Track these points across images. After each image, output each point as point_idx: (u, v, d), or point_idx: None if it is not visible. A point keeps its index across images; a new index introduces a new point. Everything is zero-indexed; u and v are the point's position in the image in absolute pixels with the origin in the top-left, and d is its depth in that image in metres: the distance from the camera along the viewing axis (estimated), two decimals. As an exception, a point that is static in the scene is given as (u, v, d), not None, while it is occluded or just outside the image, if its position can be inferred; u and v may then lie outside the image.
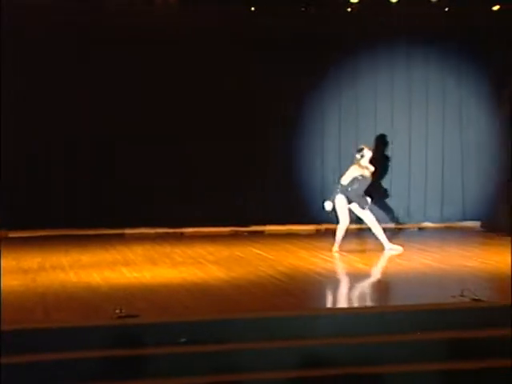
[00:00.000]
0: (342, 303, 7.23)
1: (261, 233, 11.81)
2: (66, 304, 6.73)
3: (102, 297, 6.99)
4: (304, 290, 7.56)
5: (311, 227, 11.93)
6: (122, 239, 11.23)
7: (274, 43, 11.54)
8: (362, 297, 7.42)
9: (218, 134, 11.71)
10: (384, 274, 8.70)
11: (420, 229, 12.22)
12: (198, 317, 6.33)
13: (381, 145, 11.93)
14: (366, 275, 8.41)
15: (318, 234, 11.80)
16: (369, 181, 9.82)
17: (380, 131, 12.03)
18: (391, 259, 9.28)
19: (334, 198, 9.69)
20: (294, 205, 11.80)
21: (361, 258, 9.35)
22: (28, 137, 11.21)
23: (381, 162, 11.65)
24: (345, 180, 9.69)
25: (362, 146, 9.93)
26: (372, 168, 9.89)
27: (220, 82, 11.55)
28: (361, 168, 9.73)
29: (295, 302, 6.93)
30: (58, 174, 11.51)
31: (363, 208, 9.67)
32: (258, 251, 10.00)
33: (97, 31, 11.20)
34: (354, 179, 9.67)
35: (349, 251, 9.73)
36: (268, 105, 11.70)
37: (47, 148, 11.45)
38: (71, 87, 11.25)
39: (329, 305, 7.21)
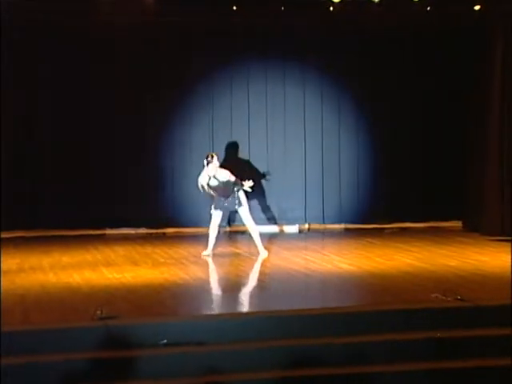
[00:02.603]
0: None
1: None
2: (45, 305, 6.68)
3: (83, 298, 6.95)
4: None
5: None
6: (103, 240, 11.20)
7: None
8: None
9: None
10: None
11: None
12: (179, 318, 6.30)
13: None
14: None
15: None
16: (222, 186, 9.43)
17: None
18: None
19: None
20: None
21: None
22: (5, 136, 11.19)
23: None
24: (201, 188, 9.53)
25: (208, 153, 9.68)
26: (224, 173, 9.49)
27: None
28: (207, 175, 9.44)
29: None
30: (37, 174, 11.46)
31: (215, 208, 9.51)
32: (239, 251, 9.98)
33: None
34: (208, 186, 9.45)
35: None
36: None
37: (24, 148, 11.39)
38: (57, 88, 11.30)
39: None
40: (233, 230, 11.76)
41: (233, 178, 9.44)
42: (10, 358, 5.60)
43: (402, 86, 12.04)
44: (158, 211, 11.74)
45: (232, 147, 11.78)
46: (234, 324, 6.13)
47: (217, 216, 9.53)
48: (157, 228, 11.87)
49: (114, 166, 11.61)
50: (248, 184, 9.42)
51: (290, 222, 12.12)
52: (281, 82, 12.03)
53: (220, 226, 9.83)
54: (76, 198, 11.46)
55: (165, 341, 5.87)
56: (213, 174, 9.42)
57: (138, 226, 11.81)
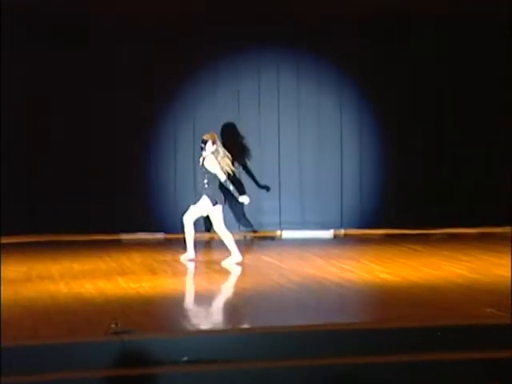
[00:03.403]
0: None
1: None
2: (55, 318, 6.69)
3: (96, 309, 6.95)
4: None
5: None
6: (117, 245, 11.25)
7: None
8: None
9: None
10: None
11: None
12: (202, 333, 6.28)
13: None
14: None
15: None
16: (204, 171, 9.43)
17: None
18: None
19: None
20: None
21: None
22: (12, 137, 11.31)
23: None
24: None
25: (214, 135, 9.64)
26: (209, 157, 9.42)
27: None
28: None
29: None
30: (46, 175, 11.53)
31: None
32: (268, 259, 10.00)
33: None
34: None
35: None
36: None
37: (33, 148, 11.50)
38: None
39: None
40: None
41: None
42: (15, 375, 5.60)
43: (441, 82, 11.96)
44: (178, 214, 11.72)
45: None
46: (263, 340, 6.09)
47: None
48: (177, 233, 11.84)
49: (129, 167, 11.69)
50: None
51: (324, 227, 12.09)
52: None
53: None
54: (88, 201, 11.53)
55: (186, 358, 5.85)
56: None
57: (156, 231, 11.85)
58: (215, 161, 9.40)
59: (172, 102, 11.81)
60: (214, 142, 9.47)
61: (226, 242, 9.45)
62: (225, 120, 11.83)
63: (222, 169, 9.41)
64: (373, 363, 5.96)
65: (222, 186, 9.54)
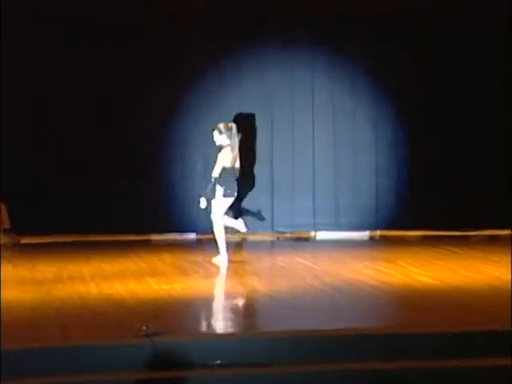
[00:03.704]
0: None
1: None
2: (86, 320, 6.76)
3: (127, 311, 7.01)
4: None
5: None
6: (146, 246, 11.34)
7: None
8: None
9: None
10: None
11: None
12: (236, 335, 6.31)
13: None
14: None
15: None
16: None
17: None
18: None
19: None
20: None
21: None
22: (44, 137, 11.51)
23: None
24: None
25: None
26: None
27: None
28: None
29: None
30: (75, 174, 11.63)
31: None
32: (302, 261, 10.01)
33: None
34: None
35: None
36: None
37: (64, 148, 11.63)
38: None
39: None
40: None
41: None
42: (46, 377, 5.67)
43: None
44: (209, 214, 11.77)
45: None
46: (296, 343, 6.09)
47: None
48: (208, 233, 11.88)
49: (160, 164, 11.81)
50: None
51: (359, 228, 12.11)
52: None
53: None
54: (117, 200, 11.62)
55: (219, 361, 5.88)
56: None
57: (187, 231, 11.94)
58: (224, 153, 9.55)
59: (203, 103, 11.87)
60: (229, 133, 9.61)
61: (216, 236, 9.55)
62: (259, 119, 11.92)
63: (229, 163, 9.54)
64: (409, 368, 5.93)
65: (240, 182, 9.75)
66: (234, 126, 9.72)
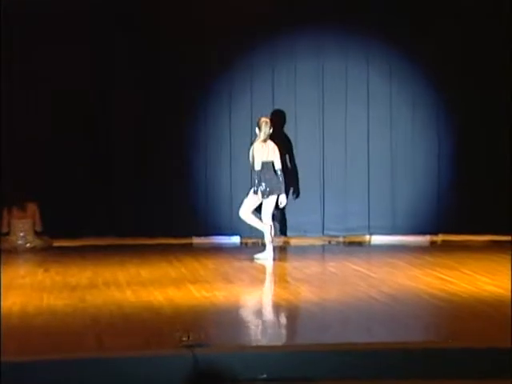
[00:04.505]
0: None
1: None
2: (122, 329, 6.84)
3: (166, 320, 7.06)
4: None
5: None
6: (188, 250, 11.42)
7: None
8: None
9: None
10: None
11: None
12: (283, 348, 6.34)
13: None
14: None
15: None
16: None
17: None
18: None
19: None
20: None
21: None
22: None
23: None
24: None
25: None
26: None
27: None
28: None
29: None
30: (108, 173, 11.88)
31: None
32: (356, 267, 10.03)
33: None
34: None
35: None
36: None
37: (99, 148, 11.90)
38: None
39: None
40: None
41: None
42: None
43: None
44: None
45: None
46: (348, 357, 6.07)
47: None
48: (255, 237, 11.93)
49: (200, 163, 12.00)
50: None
51: (419, 232, 12.10)
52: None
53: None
54: (154, 200, 11.79)
55: (264, 375, 5.90)
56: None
57: (231, 234, 12.02)
58: (254, 148, 10.20)
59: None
60: (258, 128, 10.41)
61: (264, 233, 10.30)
62: (307, 119, 12.04)
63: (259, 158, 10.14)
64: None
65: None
66: (263, 118, 10.34)
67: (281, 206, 10.54)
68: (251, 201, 10.44)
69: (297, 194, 11.75)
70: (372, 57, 12.14)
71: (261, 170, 10.26)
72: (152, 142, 11.95)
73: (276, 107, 11.92)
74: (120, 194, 11.84)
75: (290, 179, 11.41)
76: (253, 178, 10.48)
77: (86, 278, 9.21)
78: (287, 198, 10.62)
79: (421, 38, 12.02)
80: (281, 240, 11.65)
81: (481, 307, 7.70)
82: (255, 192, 10.33)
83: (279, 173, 10.34)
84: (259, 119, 10.52)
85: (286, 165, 11.41)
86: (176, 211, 11.81)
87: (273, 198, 10.37)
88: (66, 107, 11.71)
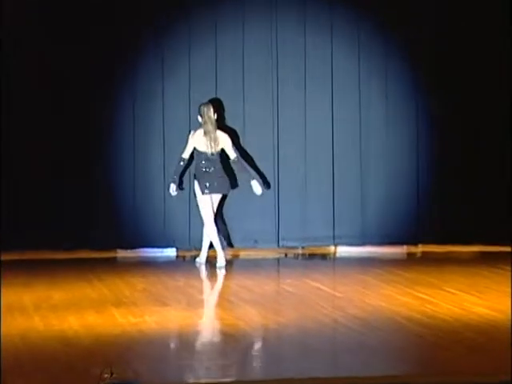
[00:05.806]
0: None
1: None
2: (27, 365, 6.74)
3: (83, 353, 7.03)
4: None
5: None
6: (111, 265, 11.46)
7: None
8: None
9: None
10: None
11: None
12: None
13: None
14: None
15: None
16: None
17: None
18: None
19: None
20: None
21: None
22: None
23: None
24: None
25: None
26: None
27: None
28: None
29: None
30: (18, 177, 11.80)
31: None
32: (318, 285, 10.08)
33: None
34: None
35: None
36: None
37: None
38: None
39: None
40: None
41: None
42: None
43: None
44: (194, 226, 11.81)
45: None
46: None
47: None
48: (192, 249, 11.90)
49: (127, 159, 12.05)
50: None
51: (394, 242, 12.22)
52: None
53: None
54: (68, 204, 11.74)
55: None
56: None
57: (165, 247, 12.03)
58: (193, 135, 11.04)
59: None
60: (200, 115, 11.06)
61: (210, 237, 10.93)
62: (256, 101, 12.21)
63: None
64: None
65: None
66: (205, 106, 10.95)
67: (258, 193, 11.06)
68: (206, 204, 10.96)
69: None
70: (337, 23, 12.19)
71: (184, 160, 11.01)
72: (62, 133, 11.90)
73: (219, 86, 11.97)
74: (25, 196, 11.68)
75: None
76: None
77: (-17, 302, 9.14)
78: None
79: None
80: (227, 253, 11.55)
81: (468, 334, 7.78)
82: (203, 192, 10.86)
83: (240, 163, 11.03)
84: (200, 106, 11.04)
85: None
86: (96, 218, 11.80)
87: (216, 197, 10.91)
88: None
